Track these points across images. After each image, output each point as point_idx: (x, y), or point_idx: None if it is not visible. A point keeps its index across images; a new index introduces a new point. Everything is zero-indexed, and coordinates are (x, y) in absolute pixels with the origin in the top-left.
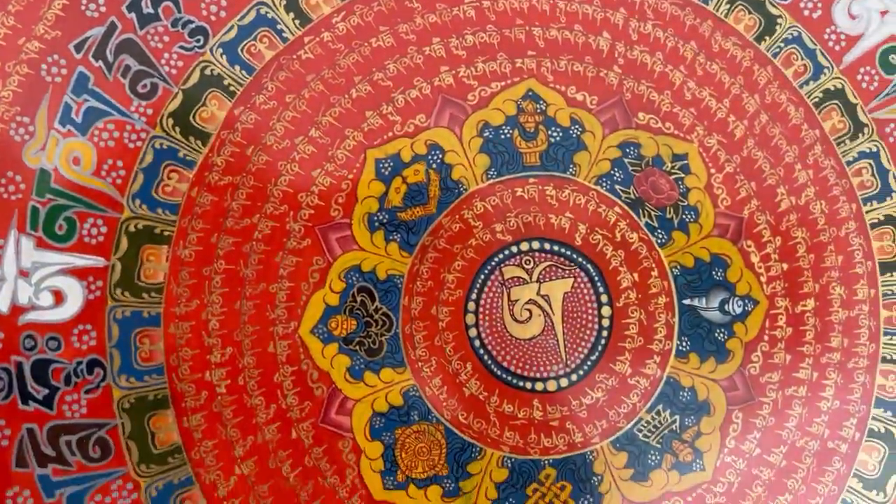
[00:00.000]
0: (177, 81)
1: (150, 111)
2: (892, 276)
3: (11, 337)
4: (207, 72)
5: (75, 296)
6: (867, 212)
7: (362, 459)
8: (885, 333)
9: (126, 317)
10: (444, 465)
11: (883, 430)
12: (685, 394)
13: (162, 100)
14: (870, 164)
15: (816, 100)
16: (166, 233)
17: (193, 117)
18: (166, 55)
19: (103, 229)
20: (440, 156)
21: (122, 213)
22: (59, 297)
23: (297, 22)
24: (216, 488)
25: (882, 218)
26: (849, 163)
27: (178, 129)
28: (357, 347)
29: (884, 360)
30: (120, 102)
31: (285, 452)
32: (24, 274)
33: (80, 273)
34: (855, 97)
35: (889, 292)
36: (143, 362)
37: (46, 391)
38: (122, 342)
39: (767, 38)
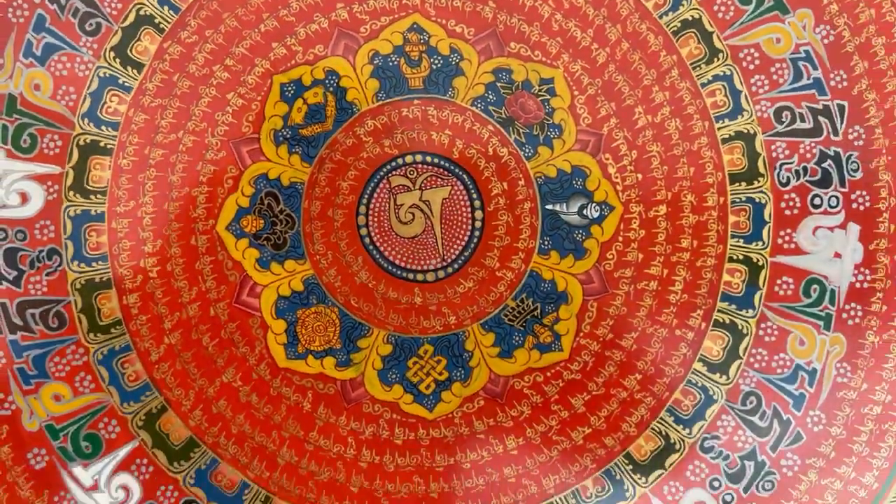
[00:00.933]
0: (117, 20)
1: (95, 46)
2: (739, 185)
3: (1, 229)
4: (142, 12)
5: (37, 197)
6: (719, 128)
7: (269, 334)
8: (732, 237)
9: (77, 214)
10: (337, 340)
11: (727, 322)
12: (546, 285)
13: (105, 36)
14: (723, 86)
15: (675, 28)
16: (109, 146)
17: (130, 50)
18: None
19: (59, 143)
20: (336, 80)
21: (74, 130)
22: (24, 198)
23: None
24: (149, 354)
25: (733, 134)
26: (703, 84)
27: (118, 60)
28: (265, 242)
29: (730, 259)
30: (71, 39)
31: (205, 326)
32: None
33: (40, 178)
34: (711, 26)
35: (737, 200)
36: (91, 251)
37: (15, 273)
38: (75, 235)
39: None
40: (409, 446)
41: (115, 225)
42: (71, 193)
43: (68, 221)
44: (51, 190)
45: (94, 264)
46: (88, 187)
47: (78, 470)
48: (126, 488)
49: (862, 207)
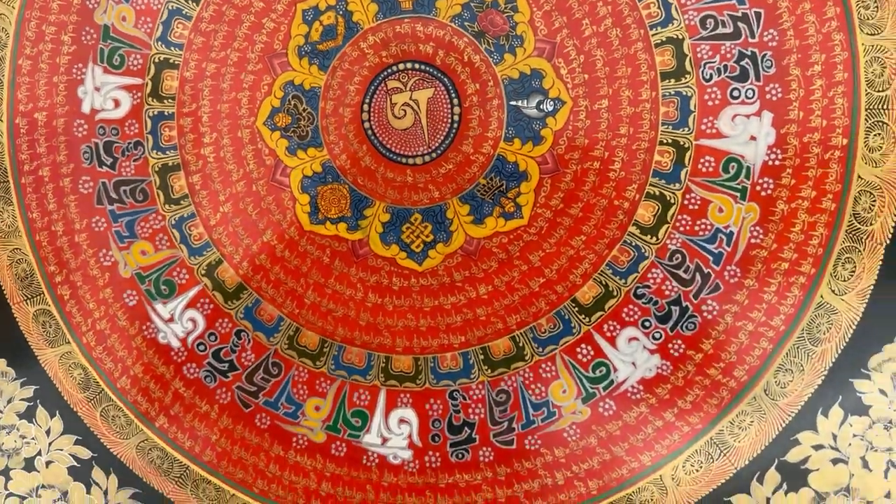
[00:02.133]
0: None
1: None
2: (669, 82)
3: (101, 127)
4: None
5: (126, 102)
6: (653, 35)
7: (296, 205)
8: (663, 124)
9: (154, 115)
10: (349, 210)
11: (657, 193)
12: (510, 166)
13: None
14: (657, 0)
15: None
16: (176, 62)
17: None
18: None
19: (140, 61)
20: (345, 5)
21: (151, 51)
22: (116, 103)
23: None
24: (209, 220)
25: (664, 39)
26: None
27: None
28: (292, 134)
29: (660, 143)
30: None
31: (249, 199)
32: (97, 90)
33: (128, 88)
34: None
35: (667, 93)
36: (165, 143)
37: (111, 160)
38: (153, 130)
39: None
40: (404, 291)
41: (182, 122)
42: (150, 99)
43: (148, 120)
44: (135, 97)
45: (167, 152)
46: (162, 94)
47: (159, 307)
48: (193, 320)
49: (775, 98)
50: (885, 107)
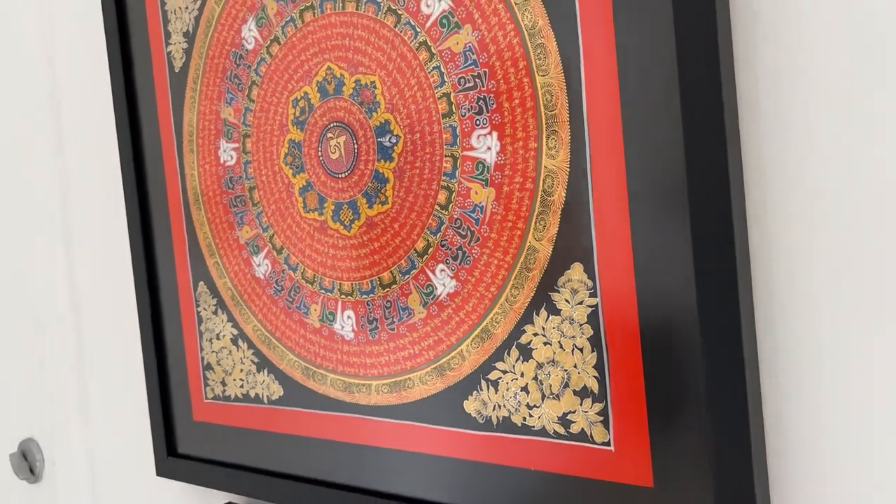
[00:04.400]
0: None
1: None
2: (446, 119)
3: None
4: None
5: None
6: (436, 89)
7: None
8: (446, 144)
9: None
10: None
11: (446, 185)
12: (381, 176)
13: None
14: None
15: None
16: None
17: None
18: None
19: None
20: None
21: None
22: None
23: None
24: None
25: (442, 94)
26: None
27: None
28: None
29: (444, 155)
30: None
31: None
32: None
33: None
34: None
35: (445, 126)
36: None
37: None
38: None
39: None
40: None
41: None
42: None
43: None
44: None
45: None
46: None
47: None
48: None
49: (496, 122)
50: (555, 121)
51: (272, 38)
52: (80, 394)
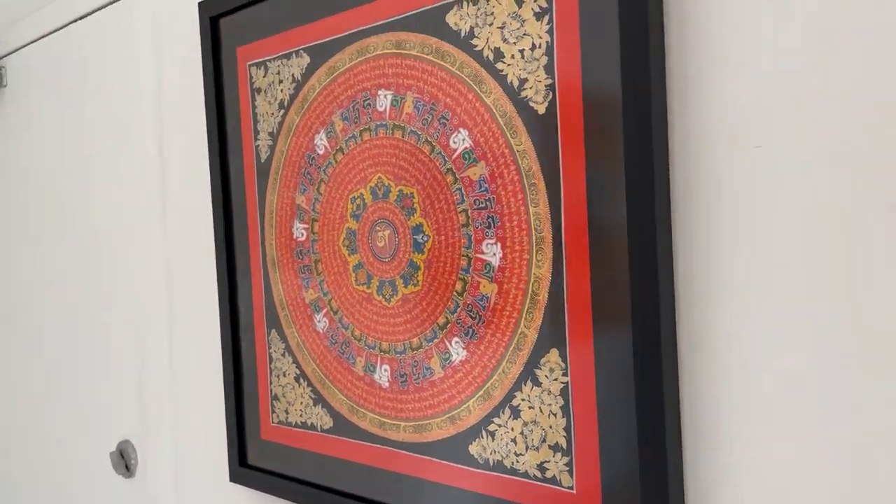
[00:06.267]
0: None
1: None
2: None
3: None
4: None
5: None
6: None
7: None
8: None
9: None
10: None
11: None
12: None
13: None
14: None
15: None
16: None
17: None
18: None
19: None
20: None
21: None
22: None
23: None
24: None
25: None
26: None
27: None
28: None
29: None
30: None
31: None
32: None
33: None
34: None
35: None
36: None
37: None
38: None
39: None
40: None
41: None
42: None
43: None
44: None
45: None
46: None
47: None
48: None
49: None
50: (542, 241)
51: (338, 148)
52: (171, 406)
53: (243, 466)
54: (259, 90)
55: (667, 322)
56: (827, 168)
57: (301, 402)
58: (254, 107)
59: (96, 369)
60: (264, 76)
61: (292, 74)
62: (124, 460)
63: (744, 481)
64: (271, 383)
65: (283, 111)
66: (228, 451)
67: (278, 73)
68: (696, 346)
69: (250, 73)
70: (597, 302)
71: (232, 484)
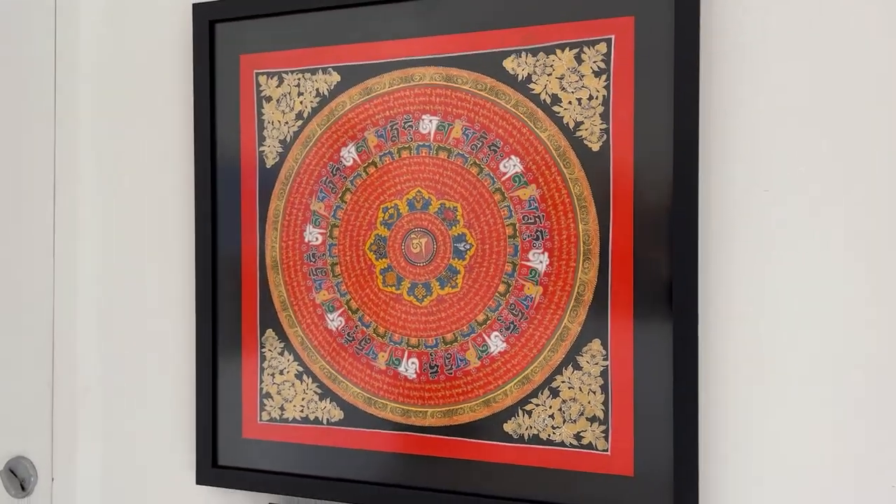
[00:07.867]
0: None
1: None
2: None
3: None
4: None
5: None
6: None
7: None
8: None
9: None
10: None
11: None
12: None
13: None
14: None
15: None
16: None
17: None
18: None
19: None
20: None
21: None
22: None
23: None
24: None
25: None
26: None
27: None
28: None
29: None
30: None
31: None
32: None
33: None
34: None
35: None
36: None
37: None
38: None
39: None
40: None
41: None
42: None
43: None
44: None
45: None
46: None
47: None
48: None
49: None
50: (590, 252)
51: (370, 161)
52: (100, 414)
53: (216, 467)
54: (269, 98)
55: (695, 317)
56: None
57: (303, 398)
58: (260, 114)
59: None
60: (278, 86)
61: (317, 89)
62: (18, 479)
63: (754, 449)
64: (262, 382)
65: (300, 121)
66: (198, 453)
67: (298, 84)
68: (720, 336)
69: (258, 81)
70: (638, 300)
71: (198, 486)
